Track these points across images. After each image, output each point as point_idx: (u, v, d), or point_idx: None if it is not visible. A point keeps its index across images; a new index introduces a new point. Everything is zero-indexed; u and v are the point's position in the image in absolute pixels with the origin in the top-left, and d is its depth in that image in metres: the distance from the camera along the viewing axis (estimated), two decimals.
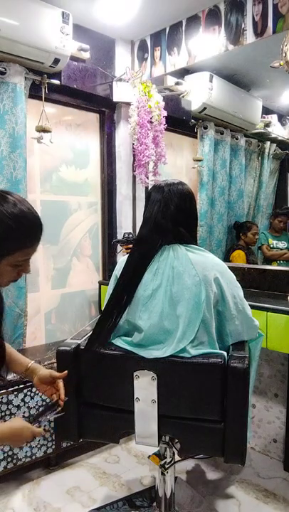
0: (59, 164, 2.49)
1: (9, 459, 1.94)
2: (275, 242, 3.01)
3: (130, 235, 2.42)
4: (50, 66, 2.16)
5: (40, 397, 2.07)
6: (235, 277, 1.44)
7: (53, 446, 2.13)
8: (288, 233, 3.06)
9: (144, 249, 1.41)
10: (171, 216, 1.40)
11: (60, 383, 1.27)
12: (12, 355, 1.34)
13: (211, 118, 2.90)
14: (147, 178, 2.55)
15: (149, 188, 1.64)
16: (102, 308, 1.52)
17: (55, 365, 1.46)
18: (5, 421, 1.24)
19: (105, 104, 2.59)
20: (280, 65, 1.98)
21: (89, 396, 1.44)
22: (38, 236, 1.07)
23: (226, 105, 2.84)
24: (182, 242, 1.42)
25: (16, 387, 1.95)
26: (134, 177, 2.71)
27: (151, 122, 2.51)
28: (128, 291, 1.39)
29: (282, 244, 3.00)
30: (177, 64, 2.44)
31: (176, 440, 1.49)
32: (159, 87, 2.60)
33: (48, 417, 1.22)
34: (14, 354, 1.34)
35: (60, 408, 1.24)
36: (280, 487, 2.06)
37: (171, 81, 2.72)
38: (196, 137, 2.97)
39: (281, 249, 2.98)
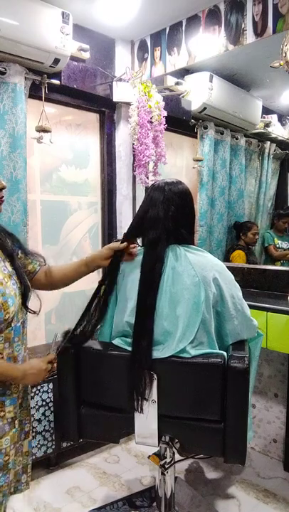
0: (59, 164, 2.49)
1: None
2: (280, 242, 3.04)
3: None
4: (50, 66, 2.16)
5: (40, 397, 2.07)
6: (233, 277, 1.44)
7: (53, 446, 2.13)
8: None
9: (158, 252, 1.38)
10: (173, 217, 1.40)
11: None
12: (67, 267, 1.49)
13: (211, 118, 2.90)
14: (147, 178, 2.55)
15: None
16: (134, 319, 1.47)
17: (55, 365, 1.46)
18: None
19: (105, 104, 2.59)
20: (280, 65, 1.98)
21: (89, 396, 1.44)
22: None
23: (226, 105, 2.84)
24: (181, 243, 1.42)
25: None
26: (134, 177, 2.71)
27: (151, 122, 2.51)
28: (155, 296, 1.35)
29: (285, 245, 3.02)
30: (177, 64, 2.44)
31: (176, 440, 1.49)
32: (159, 87, 2.59)
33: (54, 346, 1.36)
34: (68, 265, 1.50)
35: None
36: (280, 487, 2.06)
37: (171, 81, 2.72)
38: (196, 137, 2.97)
39: (285, 250, 3.01)
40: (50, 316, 2.50)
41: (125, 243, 1.43)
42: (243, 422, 1.30)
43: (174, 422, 1.36)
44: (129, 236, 1.46)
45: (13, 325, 1.21)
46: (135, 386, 1.31)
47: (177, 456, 1.58)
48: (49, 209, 2.45)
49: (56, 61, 2.14)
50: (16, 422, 1.26)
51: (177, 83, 2.74)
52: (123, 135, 2.65)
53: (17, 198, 2.09)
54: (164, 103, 2.55)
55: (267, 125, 3.12)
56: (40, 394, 2.07)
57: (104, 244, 2.73)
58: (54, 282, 1.48)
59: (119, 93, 2.52)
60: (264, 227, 3.28)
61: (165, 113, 2.54)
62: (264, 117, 3.10)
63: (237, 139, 3.13)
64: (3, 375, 1.18)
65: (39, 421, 2.07)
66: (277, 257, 3.00)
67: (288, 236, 3.09)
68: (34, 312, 1.33)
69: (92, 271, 1.50)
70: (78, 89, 2.40)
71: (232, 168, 3.15)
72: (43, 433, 2.09)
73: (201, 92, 2.71)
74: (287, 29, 1.92)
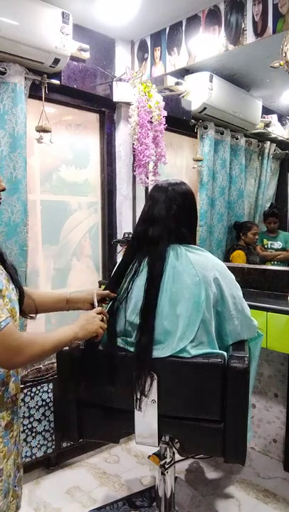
0: (59, 164, 2.49)
1: None
2: (270, 242, 3.03)
3: (130, 235, 2.42)
4: (50, 66, 2.16)
5: (40, 397, 2.07)
6: (234, 277, 1.44)
7: (53, 446, 2.13)
8: (285, 233, 3.07)
9: (160, 251, 1.38)
10: (175, 216, 1.41)
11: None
12: (47, 295, 1.42)
13: (211, 118, 2.90)
14: (147, 178, 2.55)
15: (150, 187, 1.63)
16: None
17: (55, 365, 1.47)
18: None
19: (105, 104, 2.59)
20: (280, 65, 1.98)
21: (89, 396, 1.44)
22: None
23: (226, 105, 2.84)
24: (182, 242, 1.42)
25: None
26: (134, 177, 2.71)
27: (151, 122, 2.51)
28: (156, 294, 1.35)
29: (277, 245, 3.01)
30: (177, 64, 2.44)
31: (176, 440, 1.49)
32: (159, 87, 2.59)
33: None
34: (49, 294, 1.43)
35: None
36: (280, 487, 2.06)
37: (171, 81, 2.72)
38: (196, 137, 2.97)
39: (276, 250, 3.00)
40: (50, 316, 2.50)
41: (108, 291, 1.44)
42: (243, 422, 1.30)
43: (174, 422, 1.36)
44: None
45: None
46: (135, 384, 1.31)
47: (177, 456, 1.58)
48: (49, 209, 2.45)
49: (56, 61, 2.14)
50: (17, 437, 1.20)
51: (177, 83, 2.74)
52: (123, 135, 2.65)
53: (17, 198, 2.09)
54: (164, 103, 2.55)
55: (267, 125, 3.12)
56: (40, 394, 2.07)
57: (104, 244, 2.73)
58: (31, 306, 1.34)
59: (119, 93, 2.52)
60: (263, 228, 3.28)
61: (165, 113, 2.54)
62: (264, 117, 3.10)
63: (237, 139, 3.13)
64: (62, 342, 1.16)
65: (39, 421, 2.07)
66: (264, 256, 2.98)
67: (282, 236, 3.07)
68: (32, 317, 1.31)
69: (70, 310, 1.44)
70: (78, 89, 2.40)
71: (232, 168, 3.15)
72: (43, 433, 2.09)
73: (201, 92, 2.71)
74: (287, 29, 1.92)
